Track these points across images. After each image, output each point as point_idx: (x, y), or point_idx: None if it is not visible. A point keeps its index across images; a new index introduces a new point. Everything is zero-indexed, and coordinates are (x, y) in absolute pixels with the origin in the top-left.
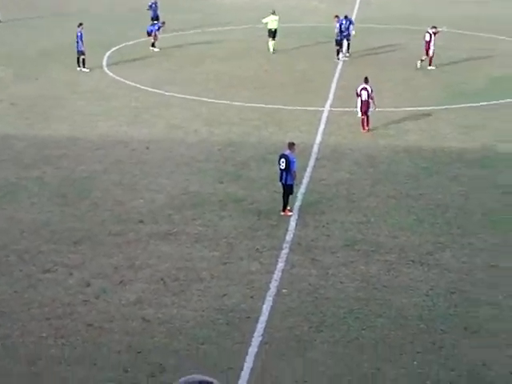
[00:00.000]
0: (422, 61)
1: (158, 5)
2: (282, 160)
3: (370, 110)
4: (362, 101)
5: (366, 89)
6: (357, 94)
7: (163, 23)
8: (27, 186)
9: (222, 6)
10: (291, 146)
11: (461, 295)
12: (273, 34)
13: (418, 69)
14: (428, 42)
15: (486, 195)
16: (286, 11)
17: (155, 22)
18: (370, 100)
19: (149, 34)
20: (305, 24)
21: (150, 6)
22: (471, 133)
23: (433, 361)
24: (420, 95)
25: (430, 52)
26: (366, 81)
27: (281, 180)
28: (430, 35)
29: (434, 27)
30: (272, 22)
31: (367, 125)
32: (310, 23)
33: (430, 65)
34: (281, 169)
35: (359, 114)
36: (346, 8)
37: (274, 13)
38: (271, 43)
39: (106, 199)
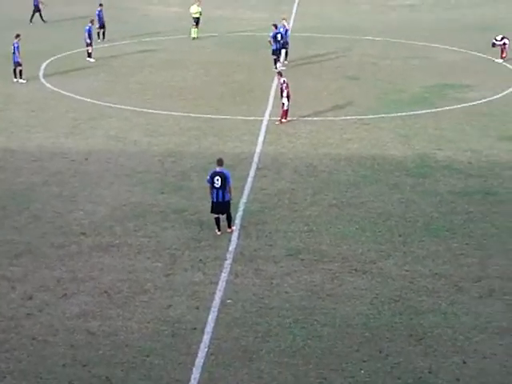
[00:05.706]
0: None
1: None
2: (217, 178)
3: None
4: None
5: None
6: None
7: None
8: None
9: (149, 17)
10: (221, 162)
11: (404, 303)
12: (196, 21)
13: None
14: (504, 44)
15: (426, 203)
16: (221, 22)
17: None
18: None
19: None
20: (240, 34)
21: (98, 15)
22: (410, 141)
23: (379, 369)
24: (357, 104)
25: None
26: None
27: (217, 199)
28: (502, 37)
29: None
30: (195, 11)
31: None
32: (245, 33)
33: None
34: (216, 187)
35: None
36: (282, 17)
37: (197, 4)
38: (193, 30)
39: (46, 211)
